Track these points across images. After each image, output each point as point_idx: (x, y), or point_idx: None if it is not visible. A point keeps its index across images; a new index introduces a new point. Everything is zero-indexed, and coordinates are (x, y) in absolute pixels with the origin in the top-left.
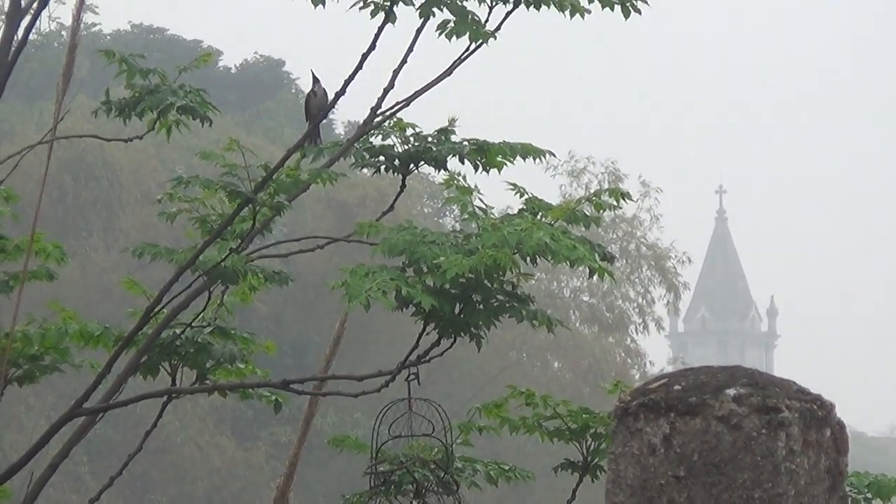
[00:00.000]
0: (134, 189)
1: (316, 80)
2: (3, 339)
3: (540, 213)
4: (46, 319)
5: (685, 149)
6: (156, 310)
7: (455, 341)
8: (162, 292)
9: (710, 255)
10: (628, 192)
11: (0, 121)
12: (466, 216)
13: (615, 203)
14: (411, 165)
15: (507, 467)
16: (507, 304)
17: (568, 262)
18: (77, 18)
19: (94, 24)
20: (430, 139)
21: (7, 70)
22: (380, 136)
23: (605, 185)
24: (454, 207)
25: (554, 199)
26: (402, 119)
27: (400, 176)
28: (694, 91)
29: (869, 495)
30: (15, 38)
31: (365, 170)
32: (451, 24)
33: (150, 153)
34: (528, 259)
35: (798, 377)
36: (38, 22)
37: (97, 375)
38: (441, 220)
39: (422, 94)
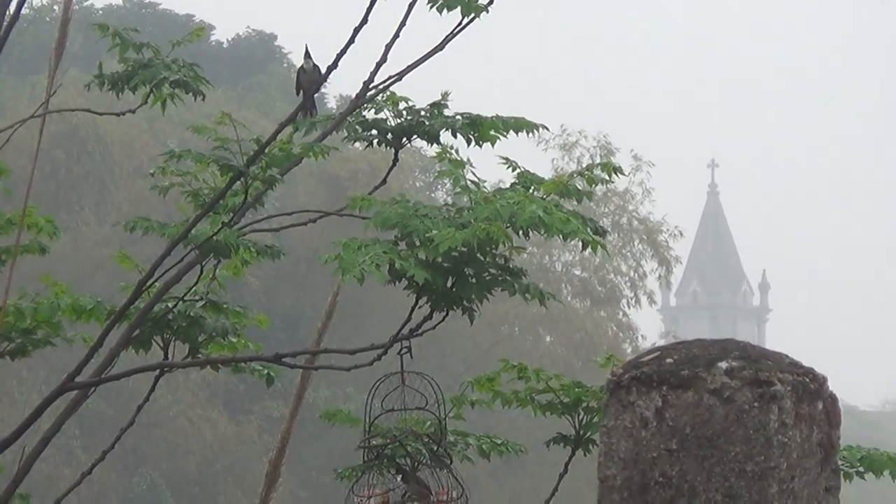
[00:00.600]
0: (126, 163)
1: (307, 56)
2: None
3: (532, 187)
4: (39, 293)
5: (677, 122)
6: (148, 284)
7: (447, 315)
8: (154, 266)
9: (702, 229)
10: (620, 166)
11: None
12: (459, 190)
13: (607, 177)
14: (404, 139)
15: (499, 441)
16: (500, 278)
17: (561, 236)
18: None
19: None
20: (422, 113)
21: None
22: (372, 110)
23: (597, 159)
24: (447, 181)
25: (546, 173)
26: (394, 93)
27: (392, 150)
28: (686, 64)
29: (861, 469)
30: (7, 12)
31: (357, 144)
32: None
33: (143, 127)
34: (521, 232)
35: (790, 351)
36: None
37: (89, 349)
38: (433, 195)
39: (414, 68)
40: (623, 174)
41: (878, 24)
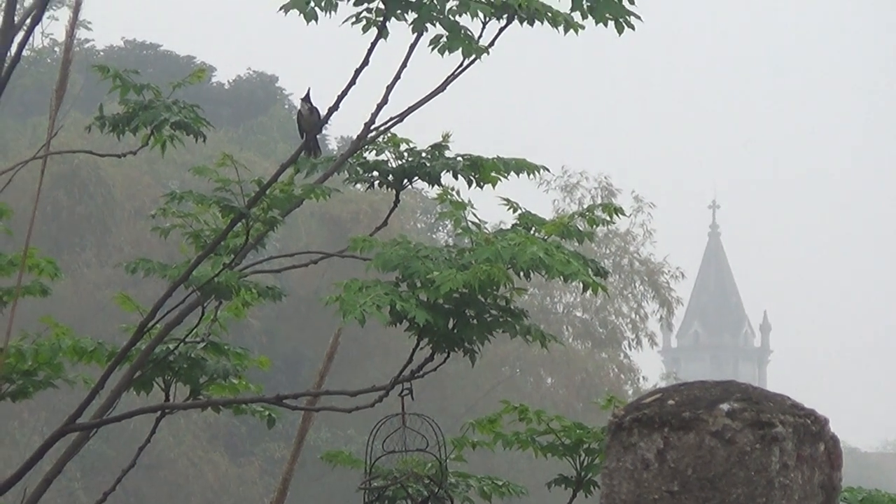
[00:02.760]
0: (127, 204)
1: (306, 99)
2: None
3: (533, 228)
4: (40, 335)
5: (678, 164)
6: (149, 325)
7: (449, 356)
8: (155, 307)
9: (704, 271)
10: (621, 207)
11: None
12: (460, 231)
13: (608, 218)
14: (405, 181)
15: (500, 482)
16: (501, 319)
17: (562, 277)
18: (70, 34)
19: (87, 41)
20: (423, 154)
21: (0, 86)
22: (374, 152)
23: (598, 200)
24: (448, 222)
25: (547, 214)
26: (395, 134)
27: (393, 191)
28: (687, 106)
29: None
30: (8, 54)
31: (358, 185)
32: (444, 40)
33: (144, 169)
34: (522, 274)
35: (791, 393)
36: (31, 38)
37: (91, 391)
38: (434, 236)
39: (415, 109)
40: (624, 215)
41: (879, 60)
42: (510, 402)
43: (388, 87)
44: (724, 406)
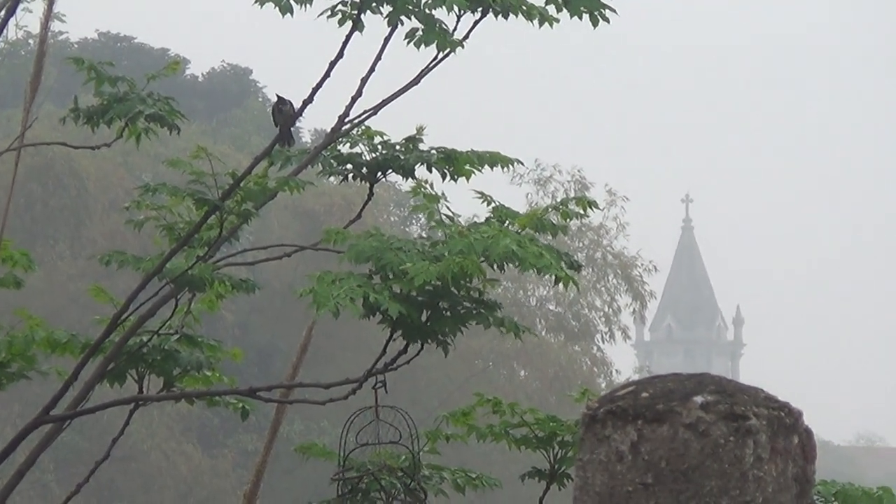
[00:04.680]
0: (101, 197)
1: (281, 101)
2: None
3: (507, 221)
4: (13, 327)
5: (652, 158)
6: (123, 317)
7: (422, 348)
8: (129, 300)
9: (677, 264)
10: (594, 201)
11: None
12: (434, 224)
13: (581, 211)
14: (379, 174)
15: (473, 475)
16: (474, 311)
17: (535, 270)
18: (45, 27)
19: (61, 33)
20: (397, 147)
21: None
22: (348, 145)
23: (572, 194)
24: (421, 215)
25: (520, 207)
26: (370, 127)
27: (367, 184)
28: (661, 99)
29: None
30: None
31: (332, 178)
32: (420, 33)
33: (118, 161)
34: (495, 266)
35: (765, 386)
36: (4, 30)
37: (64, 383)
38: (408, 229)
39: (389, 102)
40: (597, 209)
41: (853, 58)
42: (484, 395)
43: (362, 80)
44: (698, 398)
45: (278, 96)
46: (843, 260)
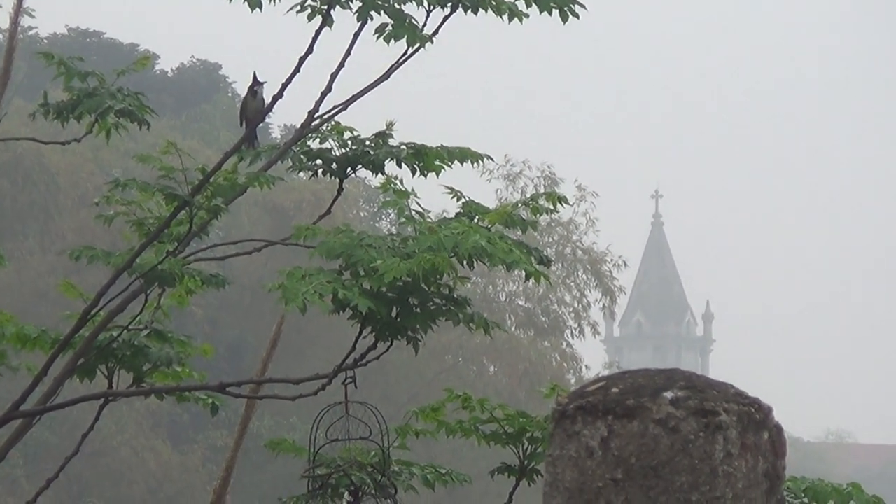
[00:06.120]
0: (71, 192)
1: (255, 83)
2: None
3: (477, 217)
4: None
5: (621, 153)
6: (92, 312)
7: (392, 344)
8: (99, 295)
9: (646, 260)
10: (564, 196)
11: None
12: (403, 220)
13: (551, 207)
14: (349, 169)
15: (443, 471)
16: (444, 308)
17: (504, 266)
18: (15, 22)
19: (30, 28)
20: (367, 143)
21: None
22: (317, 140)
23: (541, 189)
24: (391, 211)
25: (490, 203)
26: (339, 123)
27: (337, 179)
28: (630, 95)
29: (806, 500)
30: None
31: (302, 173)
32: (389, 28)
33: (87, 157)
34: (465, 262)
35: (734, 382)
36: None
37: (34, 378)
38: (377, 224)
39: (359, 97)
40: (567, 204)
41: (825, 55)
42: (453, 391)
43: (331, 76)
44: (668, 394)
45: (254, 78)
46: (813, 257)
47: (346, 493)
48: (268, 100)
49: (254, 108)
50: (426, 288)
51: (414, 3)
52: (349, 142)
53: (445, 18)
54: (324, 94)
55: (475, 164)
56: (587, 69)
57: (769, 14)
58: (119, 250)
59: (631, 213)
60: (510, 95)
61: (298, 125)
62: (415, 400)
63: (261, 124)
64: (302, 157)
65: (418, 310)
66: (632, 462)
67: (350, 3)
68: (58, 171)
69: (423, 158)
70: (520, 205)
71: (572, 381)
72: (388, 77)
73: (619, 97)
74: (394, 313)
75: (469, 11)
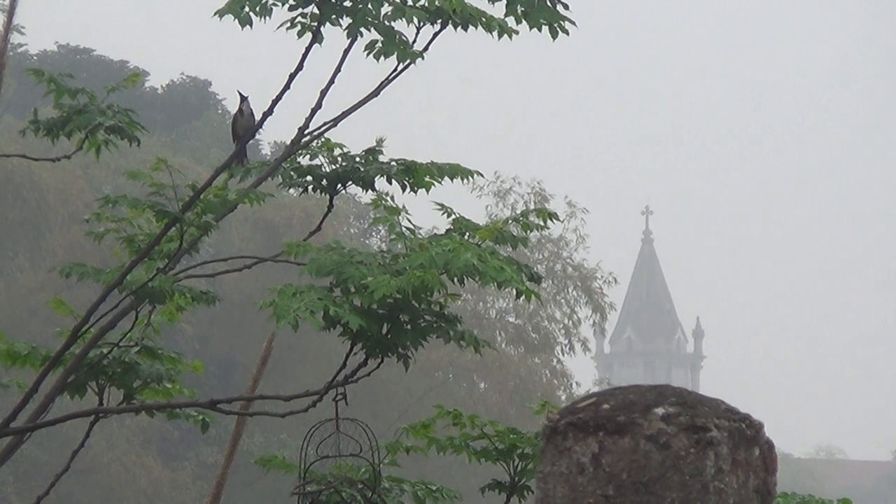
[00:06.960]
0: (61, 209)
1: (243, 100)
2: None
3: (467, 234)
4: None
5: (612, 170)
6: (83, 329)
7: (382, 361)
8: (89, 312)
9: (637, 276)
10: (555, 213)
11: None
12: (394, 236)
13: (542, 223)
14: (339, 186)
15: (434, 487)
16: (435, 325)
17: (495, 284)
18: (4, 38)
19: (20, 45)
20: (357, 159)
21: None
22: (307, 156)
23: (531, 206)
24: (381, 228)
25: (480, 219)
26: (329, 139)
27: (327, 196)
28: (620, 112)
29: None
30: None
31: (292, 190)
32: (379, 45)
33: (78, 174)
34: (456, 279)
35: (725, 399)
36: None
37: (24, 395)
38: (368, 241)
39: (349, 114)
40: (558, 220)
41: (815, 70)
42: (444, 407)
43: (321, 92)
44: (659, 410)
45: (240, 95)
46: (804, 274)
47: None
48: (257, 116)
49: (243, 125)
50: (417, 305)
51: (404, 20)
52: (339, 158)
53: (435, 35)
54: (314, 111)
55: (465, 181)
56: (577, 86)
57: (758, 34)
58: (109, 267)
59: (621, 229)
60: (500, 112)
61: (289, 142)
62: (405, 416)
63: (251, 141)
64: (292, 173)
65: (409, 327)
66: (623, 478)
67: (340, 20)
68: (48, 188)
69: (413, 174)
70: (510, 221)
71: (563, 397)
72: (378, 94)
73: (609, 114)
74: (384, 330)
75: (459, 28)
